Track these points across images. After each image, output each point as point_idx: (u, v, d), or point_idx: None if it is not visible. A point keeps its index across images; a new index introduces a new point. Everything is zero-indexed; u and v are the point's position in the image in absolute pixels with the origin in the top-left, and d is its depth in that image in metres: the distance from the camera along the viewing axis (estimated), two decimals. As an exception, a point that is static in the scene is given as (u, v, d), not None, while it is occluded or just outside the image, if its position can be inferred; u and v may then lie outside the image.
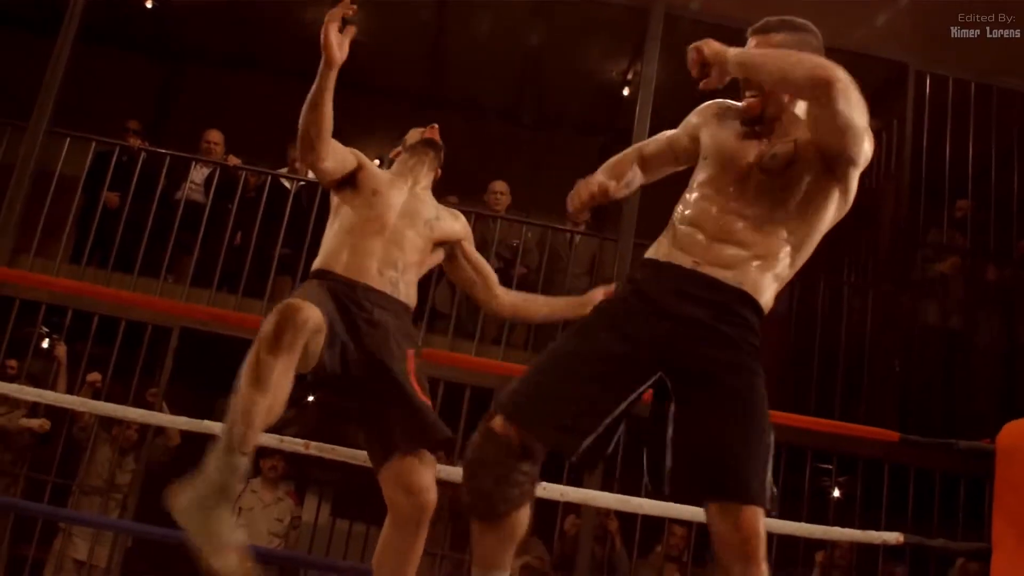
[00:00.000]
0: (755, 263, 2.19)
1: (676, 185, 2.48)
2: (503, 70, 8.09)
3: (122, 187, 6.50)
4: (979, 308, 6.88)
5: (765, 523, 2.10)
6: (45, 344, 6.78)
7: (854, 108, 2.09)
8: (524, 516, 2.23)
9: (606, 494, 4.05)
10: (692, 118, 2.46)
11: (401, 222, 2.82)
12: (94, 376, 5.87)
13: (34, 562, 5.85)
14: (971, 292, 6.88)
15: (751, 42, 2.35)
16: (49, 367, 6.21)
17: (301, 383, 2.49)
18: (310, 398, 3.50)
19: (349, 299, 2.67)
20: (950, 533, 5.22)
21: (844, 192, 2.25)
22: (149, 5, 7.85)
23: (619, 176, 2.46)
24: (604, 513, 5.81)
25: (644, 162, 2.53)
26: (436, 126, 3.08)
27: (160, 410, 5.66)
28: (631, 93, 7.54)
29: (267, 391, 2.27)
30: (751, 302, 2.19)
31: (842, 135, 2.13)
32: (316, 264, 2.80)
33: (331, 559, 5.96)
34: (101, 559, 5.84)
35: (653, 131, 6.07)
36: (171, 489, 2.23)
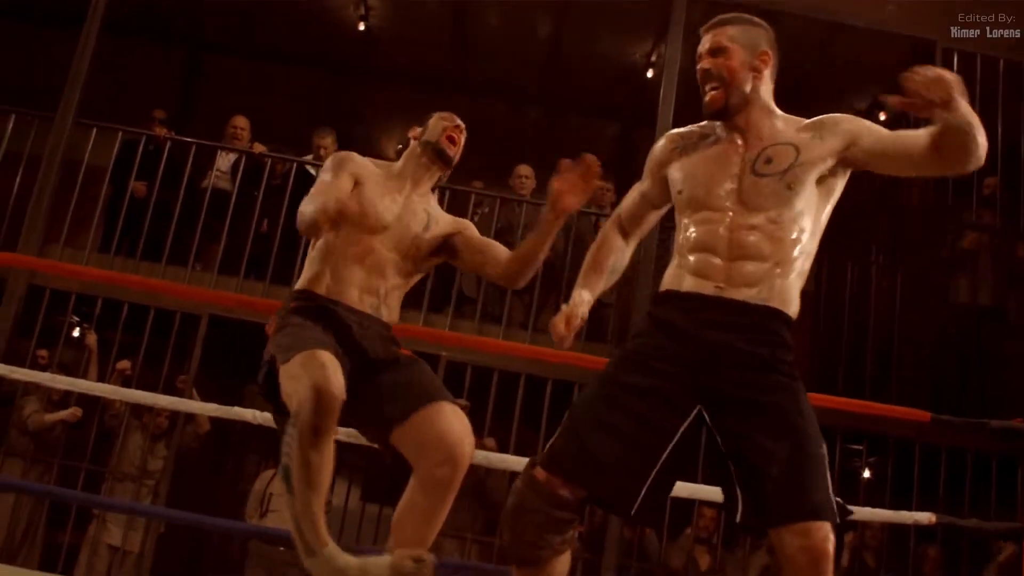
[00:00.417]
0: (777, 271, 2.16)
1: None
2: (526, 53, 8.05)
3: (149, 176, 6.54)
4: (1010, 286, 6.81)
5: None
6: (76, 333, 6.86)
7: None
8: (565, 562, 2.20)
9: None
10: (651, 164, 2.41)
11: (385, 246, 2.72)
12: (124, 364, 5.93)
13: (69, 548, 5.92)
14: (1001, 269, 6.80)
15: (706, 39, 2.32)
16: (80, 356, 6.28)
17: None
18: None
19: (334, 314, 2.63)
20: (982, 513, 5.19)
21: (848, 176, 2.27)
22: (172, -6, 7.88)
23: (601, 270, 2.39)
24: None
25: (626, 227, 2.46)
26: (461, 126, 2.89)
27: (190, 397, 5.70)
28: (655, 75, 7.50)
29: (320, 487, 2.32)
30: (781, 315, 2.16)
31: (915, 172, 2.22)
32: (300, 284, 2.73)
33: (361, 544, 6.00)
34: (134, 545, 5.91)
35: (677, 114, 6.11)
36: None
